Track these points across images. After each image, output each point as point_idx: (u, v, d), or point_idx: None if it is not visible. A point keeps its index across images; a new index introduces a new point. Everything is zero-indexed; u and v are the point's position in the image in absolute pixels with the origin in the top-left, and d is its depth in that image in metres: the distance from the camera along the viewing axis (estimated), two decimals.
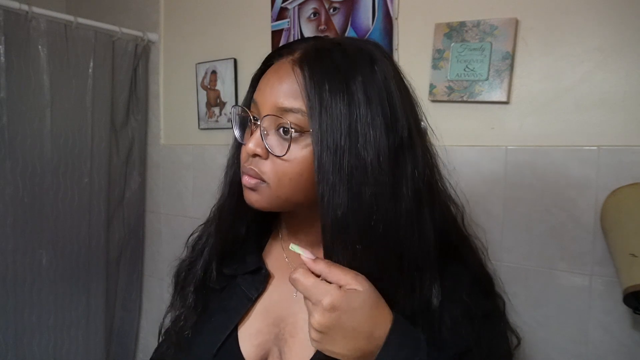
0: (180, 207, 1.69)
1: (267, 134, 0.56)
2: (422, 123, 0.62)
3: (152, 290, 1.83)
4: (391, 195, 0.52)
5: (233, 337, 0.63)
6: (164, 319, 0.73)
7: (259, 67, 0.62)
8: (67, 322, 1.57)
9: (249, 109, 0.58)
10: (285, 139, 0.54)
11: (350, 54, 0.55)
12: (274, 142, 0.55)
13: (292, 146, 0.54)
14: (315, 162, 0.51)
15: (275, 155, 0.54)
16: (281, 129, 0.55)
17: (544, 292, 0.99)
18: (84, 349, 1.61)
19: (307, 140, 0.53)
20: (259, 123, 0.56)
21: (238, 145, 0.64)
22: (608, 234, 0.88)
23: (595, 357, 0.94)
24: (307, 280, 0.50)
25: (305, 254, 0.52)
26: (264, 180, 0.56)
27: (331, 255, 0.53)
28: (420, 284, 0.55)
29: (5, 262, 1.40)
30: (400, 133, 0.53)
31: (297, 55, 0.56)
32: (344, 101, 0.51)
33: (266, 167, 0.56)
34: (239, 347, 0.62)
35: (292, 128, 0.53)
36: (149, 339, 1.84)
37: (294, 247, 0.53)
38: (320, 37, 0.69)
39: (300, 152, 0.54)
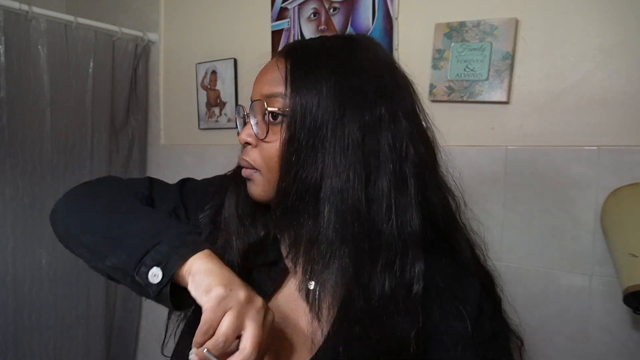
0: None
1: (257, 123, 0.58)
2: (423, 123, 0.62)
3: None
4: (363, 174, 0.53)
5: None
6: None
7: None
8: (67, 322, 1.56)
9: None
10: (269, 123, 0.57)
11: (332, 41, 0.58)
12: (261, 128, 0.57)
13: (276, 128, 0.55)
14: (284, 141, 0.54)
15: (261, 140, 0.57)
16: (265, 115, 0.56)
17: (544, 292, 0.99)
18: (84, 349, 1.61)
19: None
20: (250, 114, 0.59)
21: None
22: (608, 234, 0.87)
23: (595, 357, 0.94)
24: None
25: None
26: (256, 169, 0.58)
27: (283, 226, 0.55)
28: (401, 264, 0.54)
29: (5, 262, 1.40)
30: (379, 113, 0.54)
31: (283, 51, 0.60)
32: (318, 84, 0.53)
33: (256, 154, 0.58)
34: None
35: (269, 110, 0.55)
36: (149, 339, 1.84)
37: (208, 355, 0.44)
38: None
39: (284, 133, 0.55)
